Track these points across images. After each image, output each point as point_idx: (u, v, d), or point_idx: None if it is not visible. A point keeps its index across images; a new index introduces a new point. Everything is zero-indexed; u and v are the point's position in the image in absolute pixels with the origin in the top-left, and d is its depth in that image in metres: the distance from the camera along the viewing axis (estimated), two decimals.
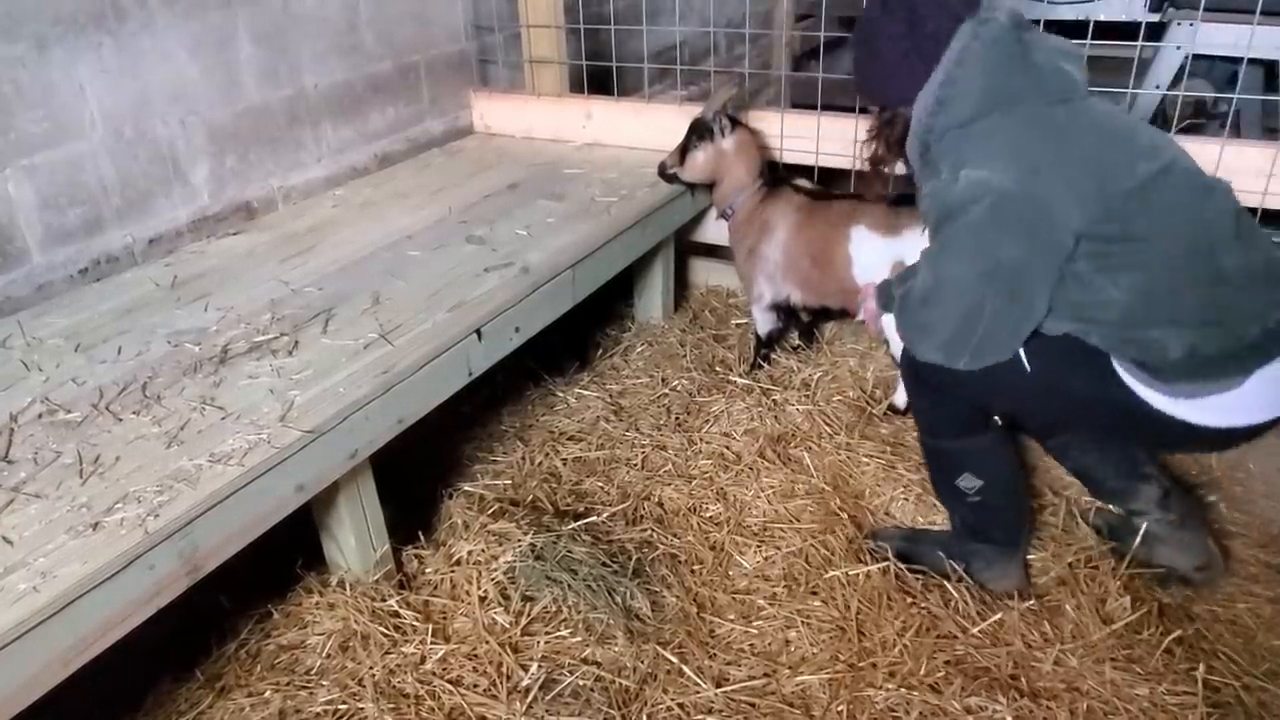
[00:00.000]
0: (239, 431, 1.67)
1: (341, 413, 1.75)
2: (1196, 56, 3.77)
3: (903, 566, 2.02)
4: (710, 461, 2.43)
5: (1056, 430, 1.99)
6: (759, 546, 2.14)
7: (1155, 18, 4.14)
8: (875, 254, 2.44)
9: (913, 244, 2.35)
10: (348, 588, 1.96)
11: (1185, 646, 1.85)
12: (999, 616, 1.89)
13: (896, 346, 2.22)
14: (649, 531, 2.18)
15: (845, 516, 2.19)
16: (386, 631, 1.87)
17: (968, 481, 1.94)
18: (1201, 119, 4.25)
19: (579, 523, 2.16)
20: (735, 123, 2.71)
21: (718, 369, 2.90)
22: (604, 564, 2.02)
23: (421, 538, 2.15)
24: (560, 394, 2.81)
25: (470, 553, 2.04)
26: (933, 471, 2.07)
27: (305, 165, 2.91)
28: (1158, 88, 3.98)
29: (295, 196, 2.88)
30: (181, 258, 2.49)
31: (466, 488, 2.36)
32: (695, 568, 2.09)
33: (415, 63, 3.26)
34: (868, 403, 2.63)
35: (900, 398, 2.58)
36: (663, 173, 2.77)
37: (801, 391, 2.70)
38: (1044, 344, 1.69)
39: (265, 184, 2.78)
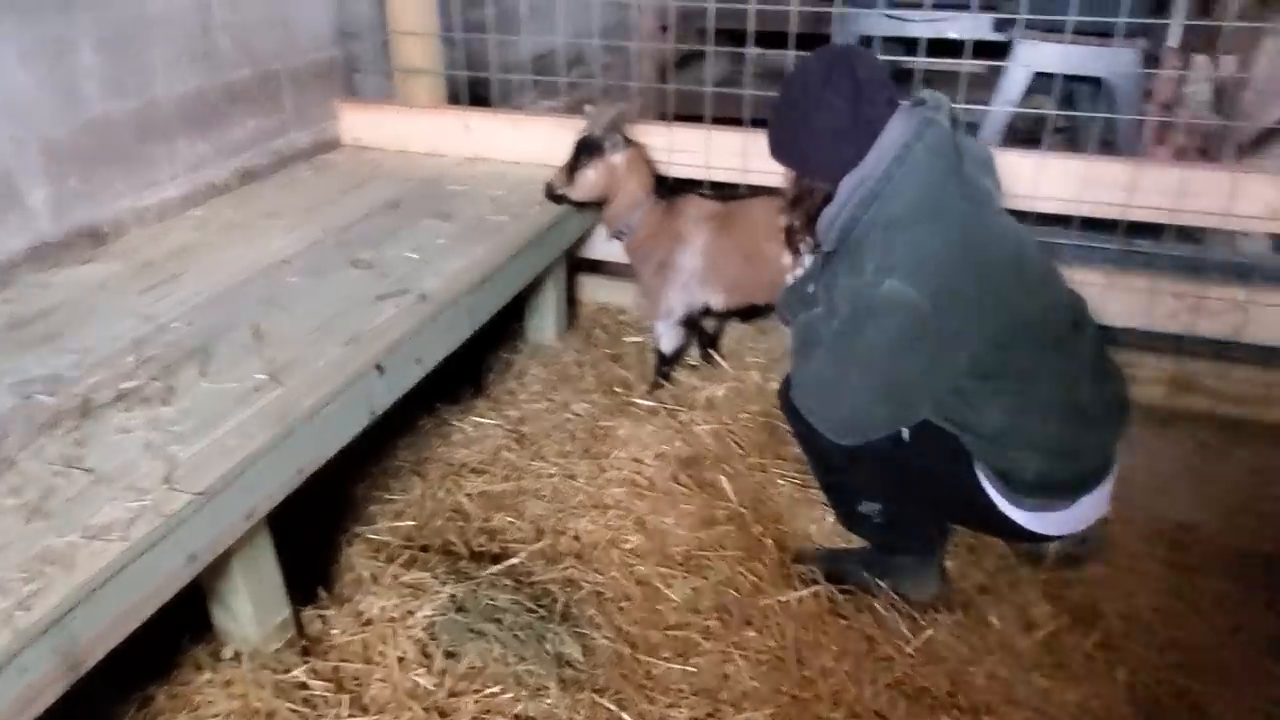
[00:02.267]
0: (116, 498, 1.46)
1: (235, 469, 1.56)
2: (1039, 74, 4.02)
3: (833, 588, 2.01)
4: (623, 490, 2.35)
5: (901, 495, 1.97)
6: (685, 577, 2.07)
7: (1001, 37, 4.39)
8: None
9: None
10: (244, 660, 1.76)
11: (1104, 649, 1.91)
12: (930, 633, 1.90)
13: None
14: (571, 569, 2.08)
15: (769, 541, 2.15)
16: (294, 707, 1.68)
17: (868, 507, 1.95)
18: (1040, 133, 4.54)
19: (497, 566, 2.03)
20: (625, 139, 2.63)
21: (618, 390, 2.82)
22: (529, 609, 1.90)
23: (323, 594, 1.97)
24: (456, 423, 2.65)
25: (383, 609, 1.88)
26: (831, 501, 2.09)
27: (159, 184, 2.63)
28: (1007, 103, 4.22)
29: (150, 219, 2.60)
30: (22, 292, 2.18)
31: (367, 533, 2.19)
32: (623, 605, 2.00)
33: (276, 71, 3.02)
34: (777, 420, 2.61)
35: None
36: (550, 194, 2.63)
37: (707, 411, 2.66)
38: (925, 426, 1.76)
39: (115, 206, 2.49)
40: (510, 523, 2.24)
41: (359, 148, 3.35)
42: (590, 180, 2.60)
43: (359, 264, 2.35)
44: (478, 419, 2.67)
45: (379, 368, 1.94)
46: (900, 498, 1.92)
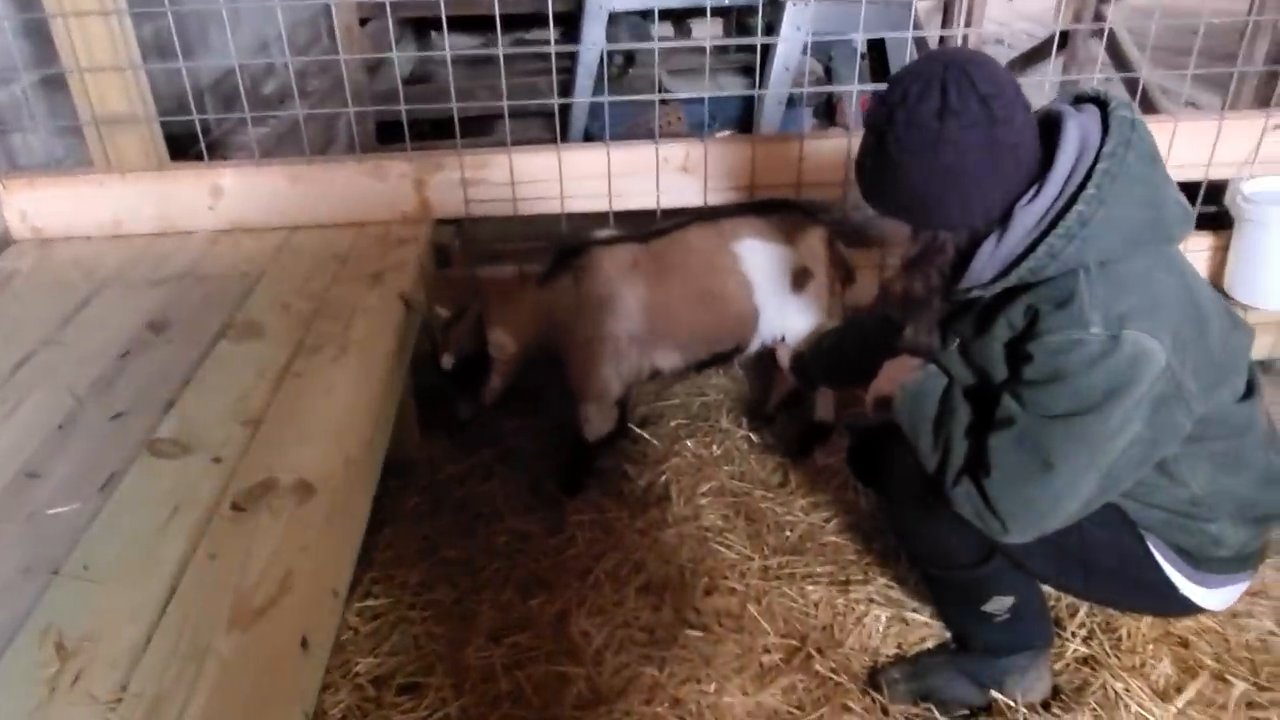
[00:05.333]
0: None
1: None
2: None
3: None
4: (625, 656, 1.75)
5: (1049, 578, 1.67)
6: None
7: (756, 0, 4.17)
8: (776, 266, 2.03)
9: (815, 249, 2.03)
10: None
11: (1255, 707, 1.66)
12: None
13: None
14: None
15: (844, 678, 1.68)
16: None
17: (997, 604, 1.58)
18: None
19: None
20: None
21: (534, 500, 2.17)
22: None
23: None
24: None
25: None
26: (947, 606, 1.71)
27: None
28: (787, 70, 3.99)
29: None
30: None
31: None
32: None
33: None
34: (746, 494, 2.13)
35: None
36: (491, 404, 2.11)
37: (662, 507, 2.10)
38: None
39: None
40: None
41: (42, 241, 2.30)
42: (504, 340, 2.07)
43: (161, 449, 1.49)
44: (364, 602, 1.90)
45: (304, 643, 1.18)
46: (1040, 588, 1.55)
